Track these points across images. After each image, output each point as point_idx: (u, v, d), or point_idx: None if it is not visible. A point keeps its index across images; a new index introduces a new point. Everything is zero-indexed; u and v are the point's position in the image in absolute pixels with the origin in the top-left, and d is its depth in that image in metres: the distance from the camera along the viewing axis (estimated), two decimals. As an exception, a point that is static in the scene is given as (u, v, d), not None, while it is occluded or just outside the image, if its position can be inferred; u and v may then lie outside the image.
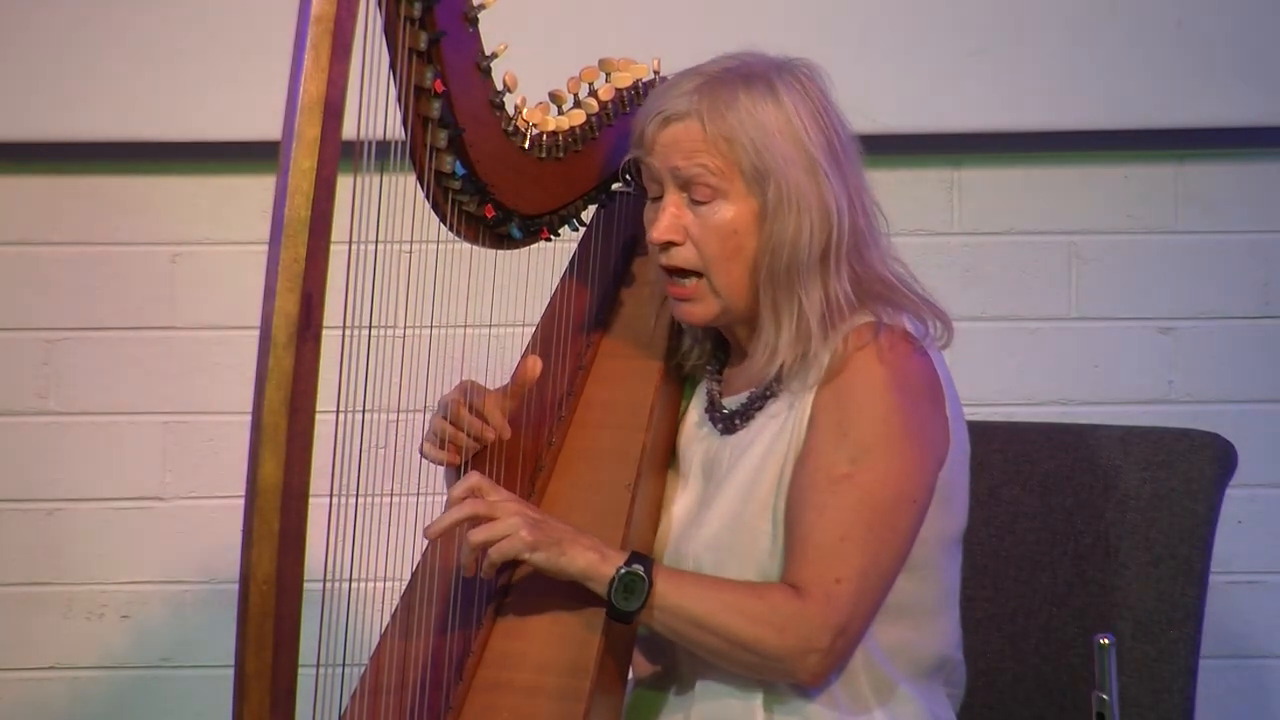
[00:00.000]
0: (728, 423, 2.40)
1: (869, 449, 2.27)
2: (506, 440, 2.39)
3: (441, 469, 2.43)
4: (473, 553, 2.21)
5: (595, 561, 2.21)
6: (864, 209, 2.35)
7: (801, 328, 2.32)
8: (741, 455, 2.36)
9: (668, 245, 2.35)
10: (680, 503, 2.42)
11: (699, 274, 2.35)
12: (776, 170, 2.30)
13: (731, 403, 2.41)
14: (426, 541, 2.31)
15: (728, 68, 2.34)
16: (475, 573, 2.25)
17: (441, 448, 2.40)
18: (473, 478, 2.24)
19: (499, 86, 2.33)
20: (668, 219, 2.34)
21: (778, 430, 2.34)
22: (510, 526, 2.20)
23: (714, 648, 2.25)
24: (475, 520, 2.21)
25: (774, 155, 2.30)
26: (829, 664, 2.26)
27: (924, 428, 2.31)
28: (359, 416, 2.11)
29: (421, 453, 2.41)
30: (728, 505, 2.34)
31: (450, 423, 2.39)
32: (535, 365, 2.39)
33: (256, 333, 1.96)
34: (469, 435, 2.39)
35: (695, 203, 2.34)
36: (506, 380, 2.42)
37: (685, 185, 2.34)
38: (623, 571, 2.20)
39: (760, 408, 2.37)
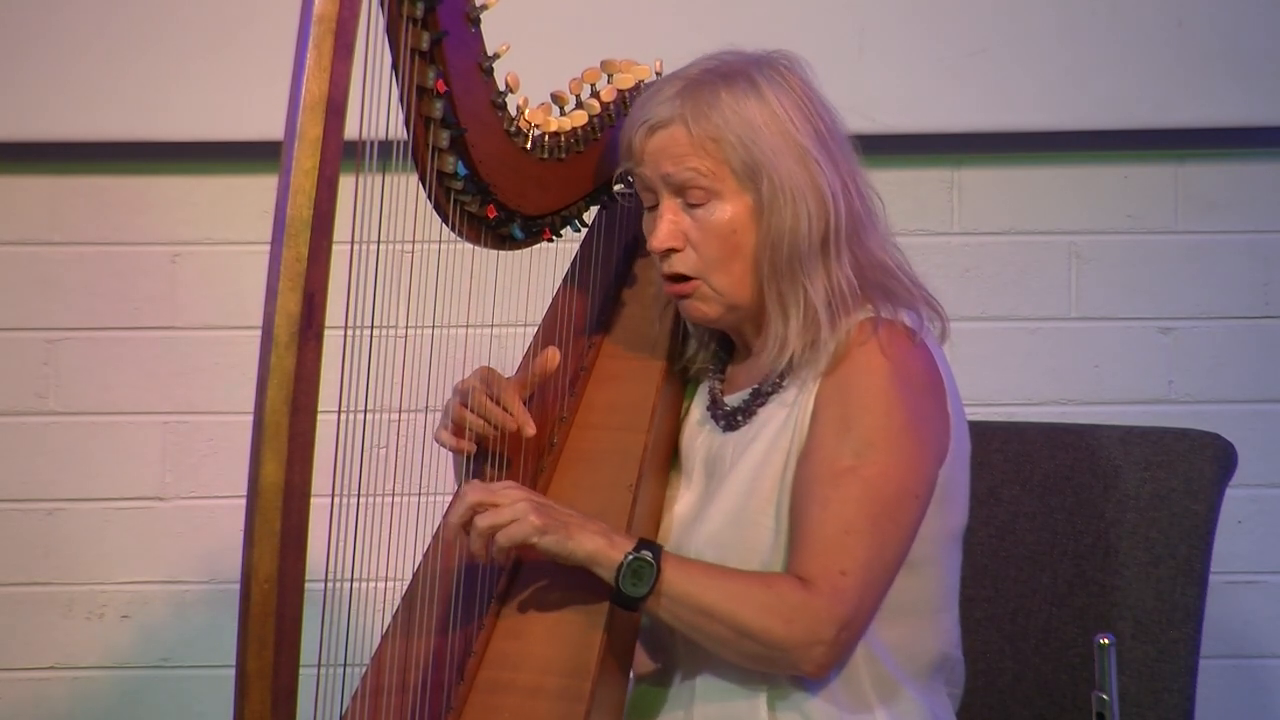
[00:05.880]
0: (730, 420, 2.40)
1: (872, 443, 2.27)
2: (507, 437, 2.38)
3: (448, 467, 2.43)
4: (480, 539, 2.21)
5: (603, 546, 2.20)
6: (859, 192, 2.35)
7: (809, 316, 2.32)
8: (744, 451, 2.36)
9: (668, 252, 2.35)
10: (683, 501, 2.42)
11: (699, 278, 2.35)
12: (767, 163, 2.30)
13: (734, 400, 2.41)
14: (428, 542, 2.31)
15: (707, 68, 2.35)
16: (485, 559, 2.24)
17: (459, 436, 2.40)
18: (467, 496, 2.23)
19: (501, 87, 2.33)
20: (666, 226, 2.35)
21: (780, 425, 2.34)
22: (518, 511, 2.19)
23: (719, 636, 2.25)
24: (481, 508, 2.20)
25: (762, 149, 2.30)
26: (834, 656, 2.26)
27: (926, 423, 2.31)
28: (360, 416, 2.11)
29: (437, 439, 2.40)
30: (730, 500, 2.34)
31: (473, 411, 2.38)
32: (554, 357, 2.39)
33: (257, 333, 1.96)
34: (492, 424, 2.38)
35: (691, 206, 2.34)
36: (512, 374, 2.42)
37: (679, 190, 2.34)
38: (631, 557, 2.20)
39: (763, 404, 2.37)
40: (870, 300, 2.34)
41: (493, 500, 2.20)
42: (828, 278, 2.32)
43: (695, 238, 2.34)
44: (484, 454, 2.40)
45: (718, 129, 2.31)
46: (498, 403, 2.39)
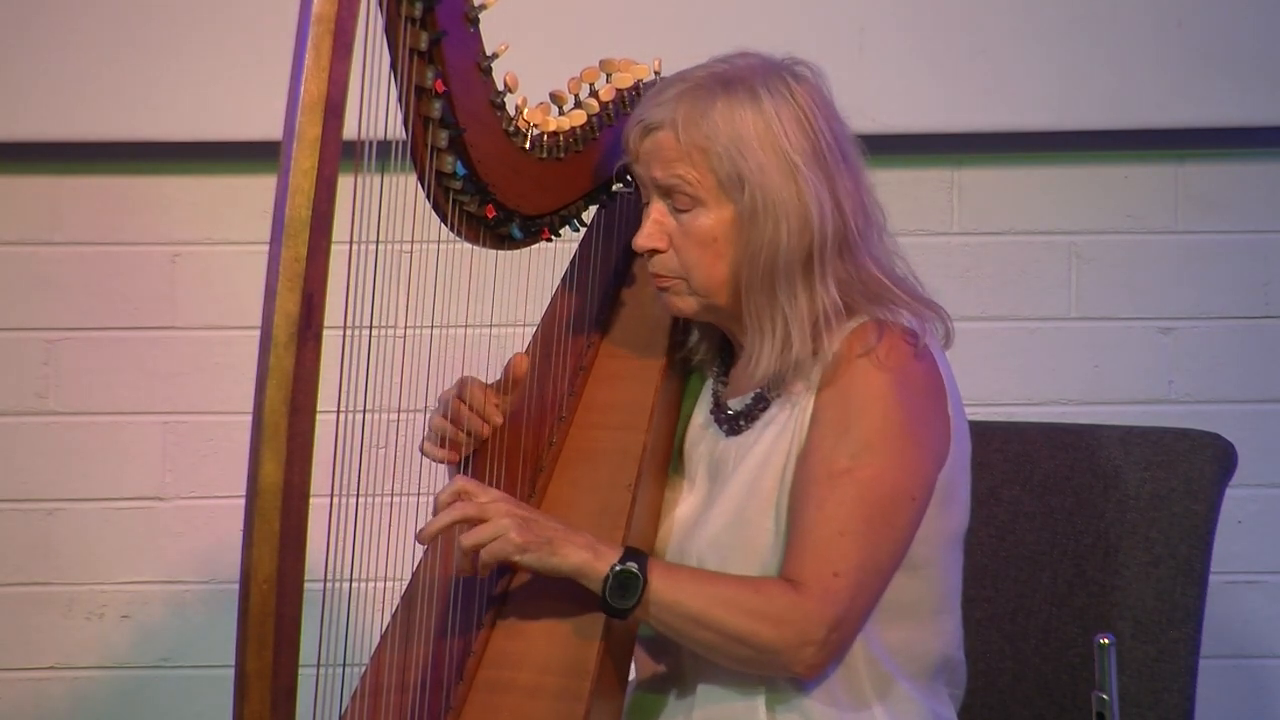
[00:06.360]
0: (732, 424, 2.40)
1: (869, 445, 2.27)
2: (505, 437, 2.39)
3: (445, 468, 2.44)
4: (465, 557, 2.21)
5: (589, 559, 2.20)
6: (859, 210, 2.34)
7: (784, 335, 2.31)
8: (746, 455, 2.36)
9: (651, 252, 2.36)
10: (685, 504, 2.42)
11: (679, 278, 2.36)
12: (751, 177, 2.30)
13: (736, 404, 2.41)
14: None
15: (714, 72, 2.34)
16: (469, 575, 2.25)
17: (442, 446, 2.41)
18: (458, 482, 2.24)
19: (500, 87, 2.33)
20: (650, 226, 2.35)
21: (780, 429, 2.34)
22: (500, 528, 2.19)
23: (710, 643, 2.25)
24: (466, 522, 2.20)
25: (748, 162, 2.29)
26: (825, 657, 2.26)
27: (924, 426, 2.31)
28: (359, 416, 2.11)
29: (422, 451, 2.41)
30: (731, 504, 2.34)
31: (450, 420, 2.39)
32: (522, 363, 2.39)
33: (257, 333, 1.96)
34: (467, 433, 2.39)
35: (678, 210, 2.34)
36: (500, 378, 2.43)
37: (667, 194, 2.34)
38: (617, 569, 2.19)
39: (764, 408, 2.37)
40: (866, 309, 2.33)
41: (479, 515, 2.20)
42: (809, 297, 2.31)
43: (678, 241, 2.34)
44: (480, 456, 2.40)
45: (706, 139, 2.30)
46: (476, 410, 2.39)
